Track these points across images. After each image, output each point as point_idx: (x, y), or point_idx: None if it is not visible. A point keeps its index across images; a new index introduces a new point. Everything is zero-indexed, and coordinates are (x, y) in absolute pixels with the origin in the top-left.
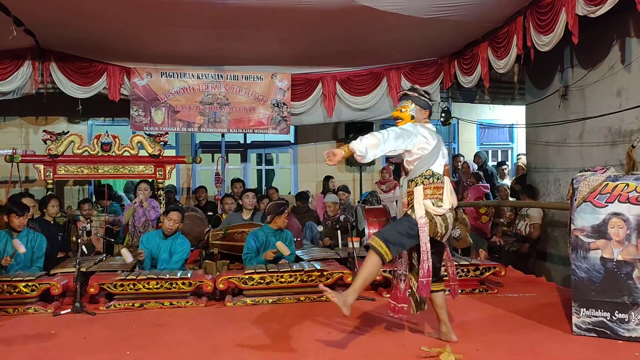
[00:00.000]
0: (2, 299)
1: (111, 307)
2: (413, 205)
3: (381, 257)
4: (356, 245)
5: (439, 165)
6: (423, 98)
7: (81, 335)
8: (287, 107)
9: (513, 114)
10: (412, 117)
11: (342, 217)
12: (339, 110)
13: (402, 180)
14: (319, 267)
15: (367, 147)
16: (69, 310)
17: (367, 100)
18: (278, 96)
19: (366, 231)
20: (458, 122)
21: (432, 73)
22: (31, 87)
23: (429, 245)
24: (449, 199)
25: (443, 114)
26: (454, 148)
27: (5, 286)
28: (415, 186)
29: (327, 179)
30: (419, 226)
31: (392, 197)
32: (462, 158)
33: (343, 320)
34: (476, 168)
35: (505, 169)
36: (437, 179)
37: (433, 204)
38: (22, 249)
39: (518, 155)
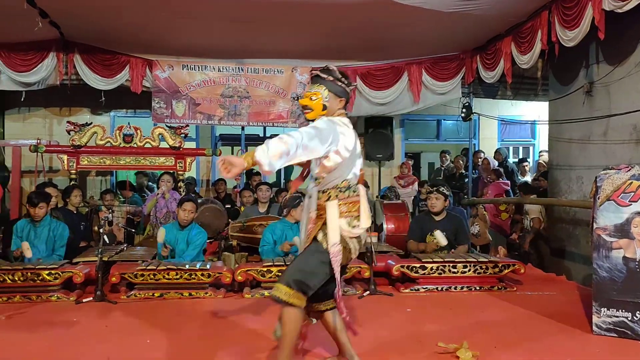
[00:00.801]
0: (25, 287)
1: (132, 297)
2: (323, 226)
3: (295, 306)
4: (374, 240)
5: (355, 172)
6: (339, 83)
7: (102, 324)
8: None
9: (535, 111)
10: (324, 108)
11: None
12: (358, 105)
13: (310, 188)
14: None
15: (275, 156)
16: (91, 298)
17: (387, 94)
18: (298, 90)
19: (384, 226)
20: (479, 117)
21: (454, 68)
22: (55, 79)
23: (339, 275)
24: (366, 216)
25: (464, 110)
26: (474, 144)
27: (29, 274)
28: (328, 200)
29: None
30: (331, 256)
31: (411, 192)
32: (482, 154)
33: (360, 315)
34: (497, 164)
35: (527, 166)
36: (354, 191)
37: (349, 225)
38: (28, 254)
39: (540, 152)
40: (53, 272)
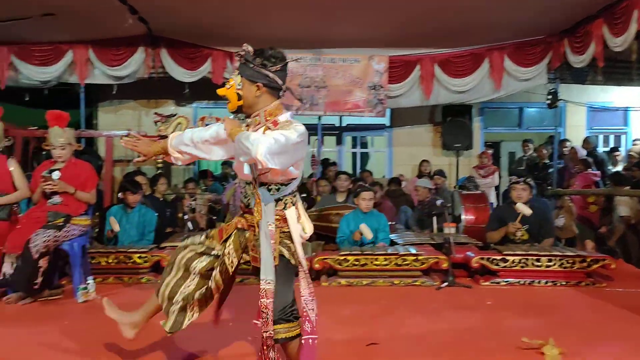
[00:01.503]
0: (118, 269)
1: None
2: (282, 238)
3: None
4: (452, 231)
5: None
6: (251, 65)
7: None
8: (384, 90)
9: (627, 96)
10: (239, 97)
11: (438, 202)
12: (436, 93)
13: (265, 198)
14: (414, 252)
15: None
16: None
17: (467, 82)
18: (375, 79)
19: (462, 217)
20: (566, 104)
21: (539, 53)
22: (144, 72)
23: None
24: (306, 216)
25: (549, 96)
26: (559, 132)
27: (121, 257)
28: (285, 209)
29: (421, 162)
30: (302, 268)
31: (491, 183)
32: (568, 143)
33: (437, 307)
34: (585, 154)
35: (619, 155)
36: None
37: (303, 229)
38: (116, 227)
39: (634, 140)
40: (143, 255)
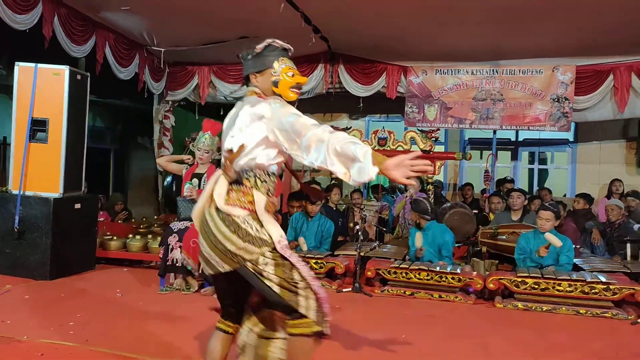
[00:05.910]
0: None
1: (385, 292)
2: (259, 219)
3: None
4: None
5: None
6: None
7: (361, 313)
8: (569, 102)
9: None
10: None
11: (636, 227)
12: (633, 105)
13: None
14: (604, 280)
15: None
16: (350, 289)
17: None
18: (559, 90)
19: None
20: None
21: None
22: (322, 88)
23: None
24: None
25: None
26: None
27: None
28: (256, 190)
29: (613, 182)
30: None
31: None
32: None
33: (632, 344)
34: None
35: None
36: None
37: None
38: (304, 248)
39: None
40: (319, 261)
